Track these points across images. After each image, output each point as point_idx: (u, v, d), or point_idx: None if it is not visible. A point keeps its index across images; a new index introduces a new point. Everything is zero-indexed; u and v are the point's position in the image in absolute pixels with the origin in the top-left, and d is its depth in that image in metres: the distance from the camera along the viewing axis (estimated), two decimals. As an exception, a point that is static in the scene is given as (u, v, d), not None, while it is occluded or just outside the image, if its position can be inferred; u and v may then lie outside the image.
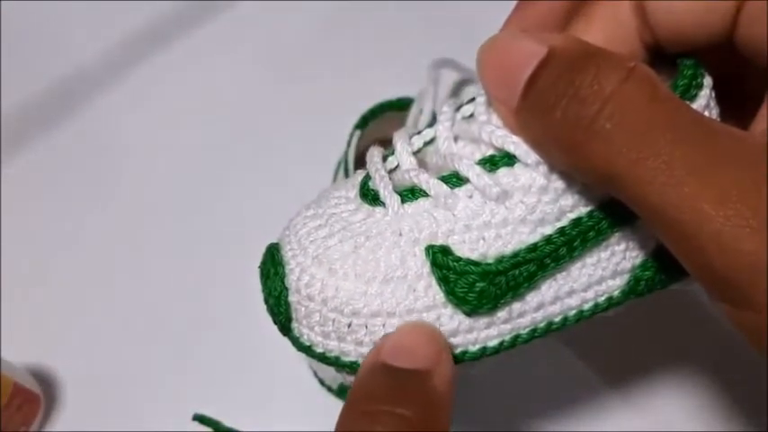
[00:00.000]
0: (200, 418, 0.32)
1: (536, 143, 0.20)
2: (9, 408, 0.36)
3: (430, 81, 0.42)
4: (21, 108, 0.51)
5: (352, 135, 0.41)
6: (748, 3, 0.20)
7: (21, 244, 0.45)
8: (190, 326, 0.42)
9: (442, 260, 0.21)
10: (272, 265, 0.22)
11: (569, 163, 0.19)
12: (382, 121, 0.42)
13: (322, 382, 0.38)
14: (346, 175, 0.39)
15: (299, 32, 0.54)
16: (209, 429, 0.31)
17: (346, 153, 0.40)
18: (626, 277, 0.22)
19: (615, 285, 0.22)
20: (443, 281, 0.21)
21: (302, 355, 0.41)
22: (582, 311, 0.23)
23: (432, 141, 0.22)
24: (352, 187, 0.23)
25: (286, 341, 0.40)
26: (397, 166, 0.22)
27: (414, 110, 0.41)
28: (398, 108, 0.42)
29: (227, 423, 0.31)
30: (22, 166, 0.48)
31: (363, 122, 0.41)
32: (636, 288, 0.22)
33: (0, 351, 0.36)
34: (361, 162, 0.27)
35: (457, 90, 0.49)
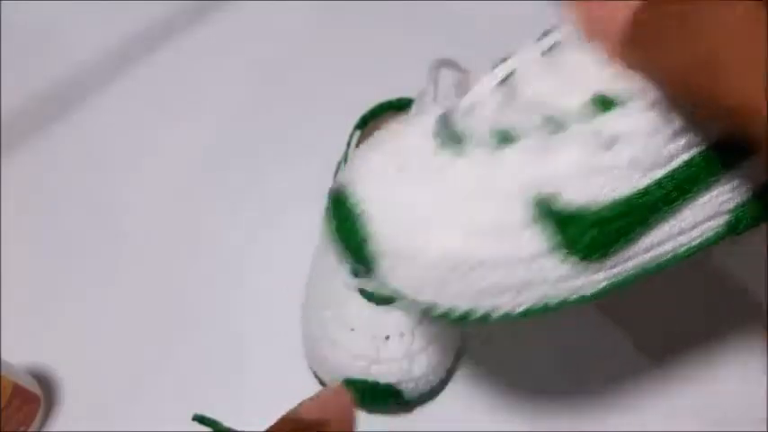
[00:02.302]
0: (200, 419, 0.31)
1: (646, 79, 0.18)
2: (9, 408, 0.36)
3: (430, 81, 0.42)
4: (21, 108, 0.51)
5: (352, 135, 0.41)
6: None
7: (20, 244, 0.45)
8: (190, 326, 0.42)
9: (550, 208, 0.19)
10: (347, 213, 0.20)
11: (688, 97, 0.18)
12: (382, 121, 0.42)
13: (322, 383, 0.38)
14: (346, 175, 0.39)
15: (299, 32, 0.54)
16: (209, 429, 0.31)
17: (346, 153, 0.40)
18: (729, 216, 0.21)
19: (721, 222, 0.21)
20: (554, 228, 0.19)
21: (302, 355, 0.41)
22: (690, 248, 0.22)
23: (512, 75, 0.20)
24: (429, 126, 0.21)
25: (286, 341, 0.40)
26: (475, 103, 0.21)
27: (414, 110, 0.41)
28: (398, 108, 0.42)
29: (227, 423, 0.31)
30: (22, 166, 0.48)
31: (363, 122, 0.42)
32: (737, 226, 0.22)
33: (0, 351, 0.36)
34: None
35: (457, 90, 0.49)
